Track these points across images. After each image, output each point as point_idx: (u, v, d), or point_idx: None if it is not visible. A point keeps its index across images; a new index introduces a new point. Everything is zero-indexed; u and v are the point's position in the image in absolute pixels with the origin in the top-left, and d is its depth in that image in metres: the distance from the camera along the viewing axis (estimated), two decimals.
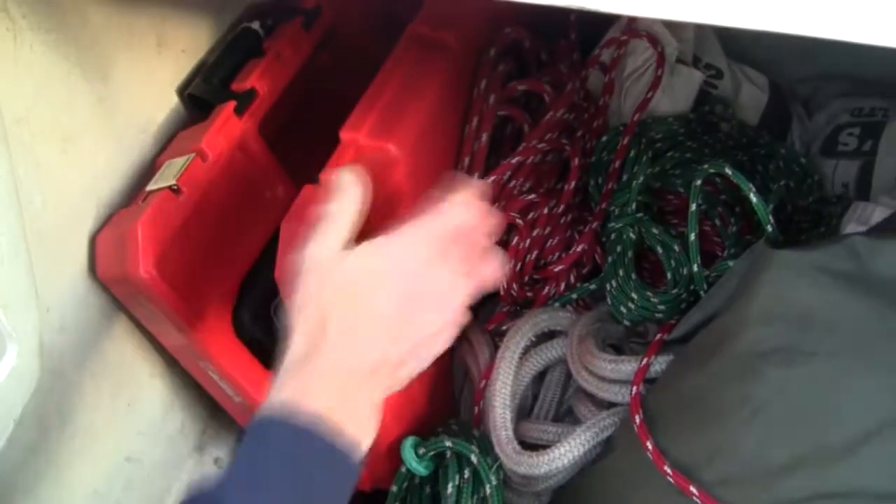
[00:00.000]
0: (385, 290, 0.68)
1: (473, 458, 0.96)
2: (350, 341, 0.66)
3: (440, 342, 0.71)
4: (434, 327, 0.70)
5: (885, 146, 1.17)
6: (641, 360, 0.89)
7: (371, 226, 0.73)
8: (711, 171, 0.94)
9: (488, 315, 1.14)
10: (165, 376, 1.10)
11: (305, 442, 0.61)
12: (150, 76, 1.04)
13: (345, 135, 0.89)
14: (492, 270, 0.73)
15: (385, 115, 0.90)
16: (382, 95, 0.92)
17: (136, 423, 1.06)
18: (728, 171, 0.90)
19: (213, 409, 1.18)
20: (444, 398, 1.16)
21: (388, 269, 0.69)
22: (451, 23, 1.00)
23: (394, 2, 1.11)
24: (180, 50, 1.08)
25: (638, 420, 0.85)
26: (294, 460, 0.61)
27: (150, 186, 0.94)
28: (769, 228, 0.87)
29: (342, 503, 0.65)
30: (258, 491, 0.60)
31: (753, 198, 0.87)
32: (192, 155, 0.95)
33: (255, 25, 1.13)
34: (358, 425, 0.64)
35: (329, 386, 0.64)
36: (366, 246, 0.69)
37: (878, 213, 0.95)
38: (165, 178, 0.93)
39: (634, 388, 0.88)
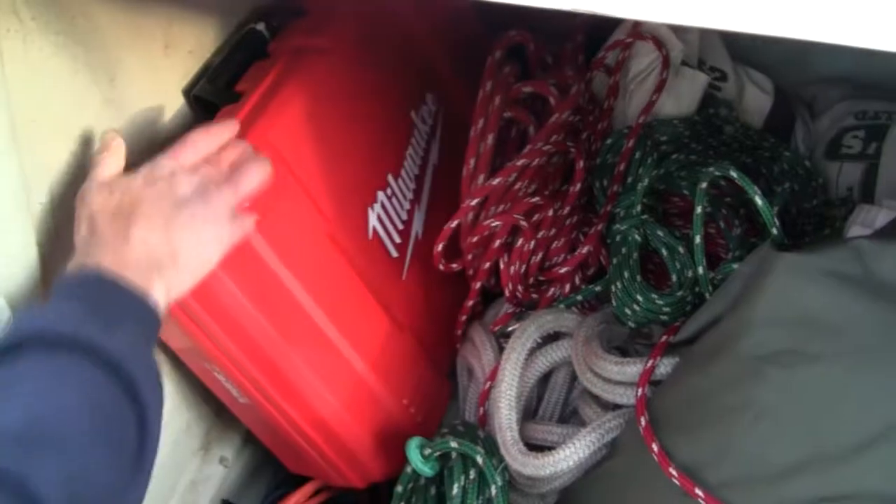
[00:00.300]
0: (147, 202, 0.79)
1: (479, 459, 0.97)
2: (119, 239, 0.76)
3: (209, 244, 0.80)
4: (194, 230, 0.79)
5: (889, 149, 1.17)
6: (647, 362, 0.90)
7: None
8: (717, 174, 0.94)
9: (493, 316, 1.15)
10: (172, 377, 1.10)
11: (88, 275, 0.72)
12: (157, 77, 1.04)
13: None
14: (250, 177, 0.85)
15: (247, 118, 0.94)
16: (248, 103, 0.97)
17: None
18: (734, 174, 0.91)
19: (218, 409, 1.18)
20: (440, 395, 1.17)
21: (146, 187, 0.80)
22: (324, 28, 1.06)
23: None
24: (187, 51, 1.08)
25: (643, 422, 0.85)
26: (79, 285, 0.71)
27: None
28: (774, 231, 0.88)
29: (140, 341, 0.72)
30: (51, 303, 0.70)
31: (759, 201, 0.88)
32: None
33: (261, 27, 1.13)
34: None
35: (105, 260, 0.73)
36: (127, 175, 0.82)
37: (882, 216, 0.95)
38: None
39: (640, 390, 0.88)
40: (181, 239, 0.78)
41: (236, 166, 0.85)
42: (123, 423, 0.65)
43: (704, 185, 0.94)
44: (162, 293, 0.75)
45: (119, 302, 0.71)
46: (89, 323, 0.67)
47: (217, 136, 0.87)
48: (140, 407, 0.66)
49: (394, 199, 1.09)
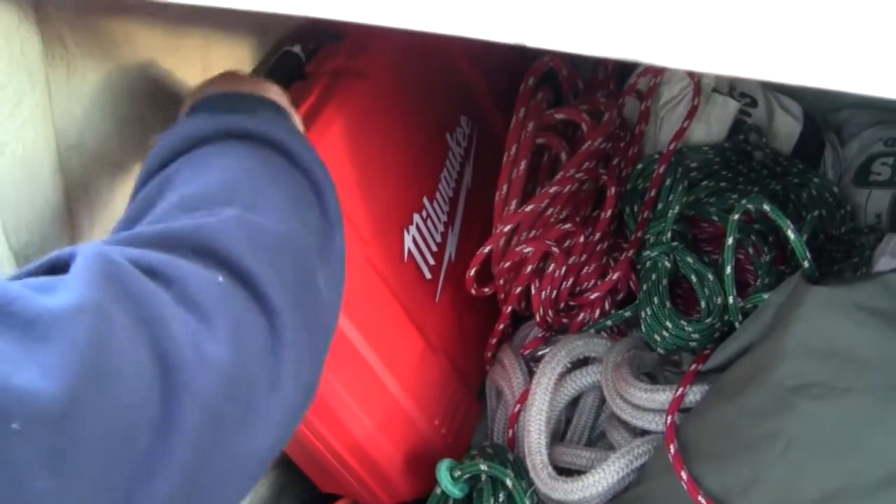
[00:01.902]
0: None
1: (508, 482, 0.98)
2: None
3: None
4: None
5: None
6: (676, 390, 0.90)
7: None
8: (750, 206, 0.95)
9: (522, 339, 1.16)
10: None
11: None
12: None
13: None
14: None
15: None
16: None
17: None
18: (767, 207, 0.91)
19: None
20: (470, 416, 1.18)
21: None
22: (363, 51, 1.07)
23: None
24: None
25: (673, 450, 0.86)
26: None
27: None
28: (806, 264, 0.88)
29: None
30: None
31: (791, 234, 0.89)
32: None
33: (297, 49, 1.15)
34: None
35: None
36: None
37: None
38: None
39: (669, 418, 0.89)
40: None
41: None
42: (309, 203, 0.69)
43: (737, 216, 0.95)
44: None
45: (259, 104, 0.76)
46: (258, 121, 0.70)
47: None
48: (318, 188, 0.70)
49: (428, 222, 1.10)
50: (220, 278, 0.56)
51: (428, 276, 1.10)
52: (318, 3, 0.59)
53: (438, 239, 1.13)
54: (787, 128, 1.23)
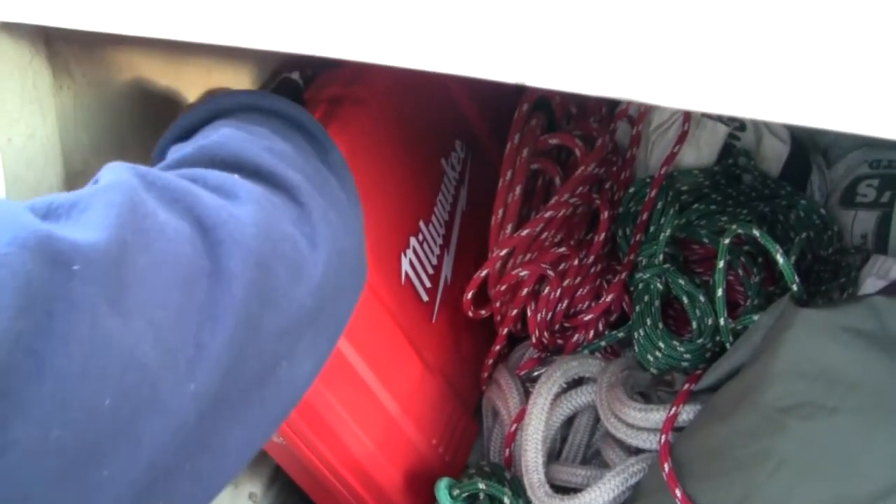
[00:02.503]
0: None
1: (506, 500, 1.00)
2: None
3: None
4: None
5: None
6: (670, 410, 0.93)
7: None
8: (740, 231, 0.97)
9: (517, 359, 1.18)
10: None
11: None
12: None
13: None
14: None
15: None
16: None
17: None
18: (756, 232, 0.94)
19: None
20: (466, 435, 1.20)
21: None
22: (360, 79, 1.09)
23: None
24: None
25: (667, 468, 0.88)
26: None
27: None
28: (795, 288, 0.91)
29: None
30: None
31: (780, 259, 0.91)
32: None
33: (295, 76, 1.16)
34: None
35: None
36: None
37: None
38: None
39: (663, 437, 0.91)
40: None
41: None
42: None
43: (727, 241, 0.98)
44: None
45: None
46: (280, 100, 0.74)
47: None
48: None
49: (425, 245, 1.12)
50: (236, 176, 0.59)
51: (425, 298, 1.12)
52: (326, 43, 0.62)
53: (434, 262, 1.15)
54: (774, 151, 1.25)
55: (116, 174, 0.53)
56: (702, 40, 0.52)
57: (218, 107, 0.72)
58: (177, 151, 0.65)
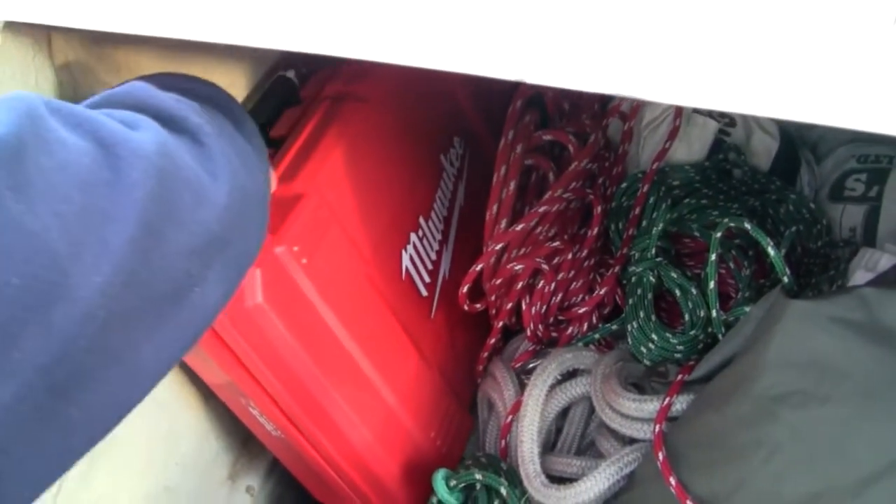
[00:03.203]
0: None
1: (503, 491, 1.01)
2: None
3: None
4: None
5: (890, 193, 1.21)
6: (664, 400, 0.94)
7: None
8: (732, 225, 0.99)
9: (512, 352, 1.20)
10: (202, 408, 1.14)
11: None
12: None
13: None
14: None
15: (292, 163, 0.99)
16: (291, 148, 1.01)
17: (173, 455, 1.11)
18: (748, 225, 0.96)
19: (245, 440, 1.23)
20: (463, 427, 1.22)
21: None
22: (361, 76, 1.10)
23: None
24: None
25: (661, 457, 0.89)
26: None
27: None
28: (786, 280, 0.92)
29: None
30: None
31: (771, 251, 0.93)
32: None
33: (291, 74, 1.18)
34: None
35: None
36: None
37: (885, 260, 1.00)
38: None
39: (657, 427, 0.92)
40: None
41: None
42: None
43: (719, 234, 0.99)
44: None
45: None
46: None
47: None
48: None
49: (424, 241, 1.14)
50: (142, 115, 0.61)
51: (424, 293, 1.14)
52: (326, 41, 0.63)
53: (433, 257, 1.16)
54: (764, 146, 1.26)
55: (22, 94, 0.54)
56: (694, 38, 0.53)
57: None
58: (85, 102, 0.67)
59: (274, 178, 0.86)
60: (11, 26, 0.75)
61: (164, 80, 0.70)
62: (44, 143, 0.50)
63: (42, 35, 0.79)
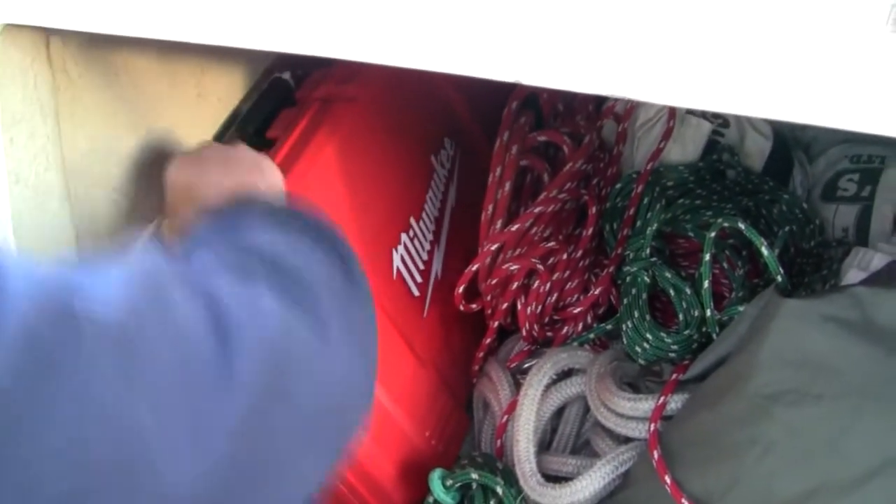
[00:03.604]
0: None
1: (499, 490, 1.02)
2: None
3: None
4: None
5: (882, 192, 1.22)
6: (658, 399, 0.95)
7: None
8: (726, 225, 1.00)
9: (507, 352, 1.20)
10: None
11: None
12: (191, 125, 1.09)
13: None
14: None
15: (282, 165, 0.98)
16: (282, 149, 1.01)
17: None
18: (741, 225, 0.96)
19: None
20: (458, 426, 1.22)
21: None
22: (352, 78, 1.10)
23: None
24: (216, 99, 1.13)
25: (656, 455, 0.90)
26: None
27: None
28: (779, 279, 0.93)
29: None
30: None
31: (765, 251, 0.93)
32: None
33: (286, 76, 1.18)
34: None
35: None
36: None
37: (877, 260, 1.00)
38: None
39: (652, 426, 0.93)
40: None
41: None
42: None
43: (713, 234, 1.00)
44: None
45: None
46: None
47: None
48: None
49: (415, 241, 1.14)
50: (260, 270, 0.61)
51: (416, 293, 1.14)
52: (323, 43, 0.64)
53: (425, 257, 1.17)
54: (757, 146, 1.27)
55: (149, 266, 0.54)
56: (688, 40, 0.54)
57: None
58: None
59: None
60: (10, 29, 0.76)
61: (276, 217, 0.71)
62: (157, 305, 0.50)
63: (40, 38, 0.80)
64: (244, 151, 0.90)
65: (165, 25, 0.70)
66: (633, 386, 1.04)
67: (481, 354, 1.20)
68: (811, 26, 0.52)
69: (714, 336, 1.01)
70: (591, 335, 1.16)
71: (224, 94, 1.15)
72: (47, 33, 0.80)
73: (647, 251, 1.11)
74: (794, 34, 0.52)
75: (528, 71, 0.57)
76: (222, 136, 1.12)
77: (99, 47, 0.91)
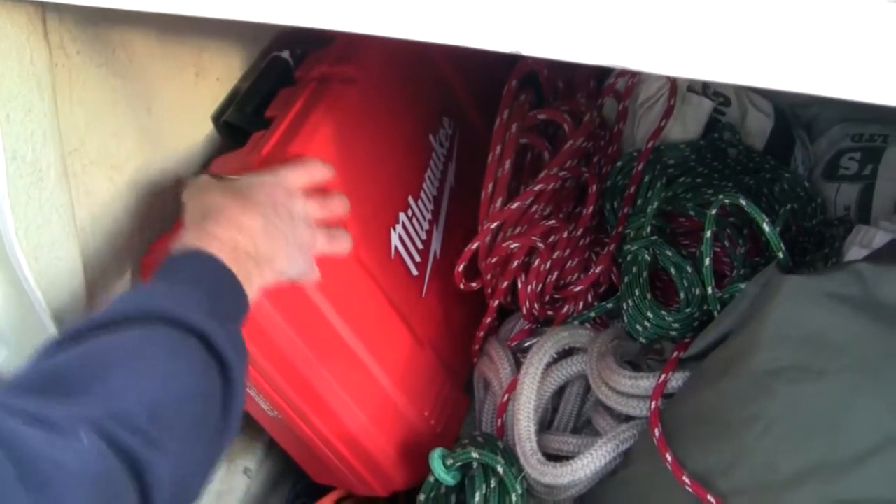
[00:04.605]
0: (261, 203, 0.85)
1: (499, 469, 1.02)
2: (225, 228, 0.81)
3: (292, 264, 0.87)
4: (286, 247, 0.86)
5: (884, 171, 1.22)
6: (659, 377, 0.94)
7: None
8: (727, 201, 0.99)
9: (508, 332, 1.20)
10: None
11: (208, 261, 0.78)
12: (189, 105, 1.09)
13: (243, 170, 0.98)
14: (341, 244, 0.95)
15: (279, 143, 0.99)
16: (279, 129, 1.01)
17: None
18: (743, 202, 0.96)
19: (243, 422, 1.23)
20: (458, 407, 1.22)
21: (248, 194, 0.85)
22: (350, 57, 1.10)
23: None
24: (215, 78, 1.13)
25: (657, 433, 0.90)
26: (201, 271, 0.77)
27: None
28: (781, 255, 0.93)
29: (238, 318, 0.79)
30: (177, 285, 0.75)
31: (767, 228, 0.93)
32: None
33: (286, 55, 1.17)
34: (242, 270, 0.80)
35: (213, 246, 0.79)
36: (233, 179, 0.89)
37: (879, 237, 1.00)
38: None
39: (653, 403, 0.93)
40: (280, 246, 0.85)
41: (326, 223, 0.94)
42: (215, 407, 0.71)
43: (714, 211, 0.99)
44: (253, 287, 0.81)
45: (233, 294, 0.79)
46: (210, 314, 0.73)
47: (317, 173, 0.95)
48: (231, 389, 0.72)
49: (414, 220, 1.14)
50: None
51: (414, 272, 1.14)
52: (318, 13, 0.63)
53: (424, 237, 1.16)
54: (759, 125, 1.27)
55: None
56: (689, 10, 0.53)
57: (125, 314, 0.71)
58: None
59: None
60: (6, 4, 0.75)
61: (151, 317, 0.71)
62: None
63: (37, 14, 0.79)
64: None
65: None
66: (634, 364, 1.03)
67: (481, 334, 1.20)
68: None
69: (715, 314, 1.00)
70: (592, 314, 1.16)
71: (223, 73, 1.15)
72: (44, 8, 0.80)
73: (648, 229, 1.10)
74: (794, 3, 0.52)
75: (528, 41, 0.56)
76: (221, 115, 1.12)
77: (96, 24, 0.90)
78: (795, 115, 1.35)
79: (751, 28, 0.53)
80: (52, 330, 0.87)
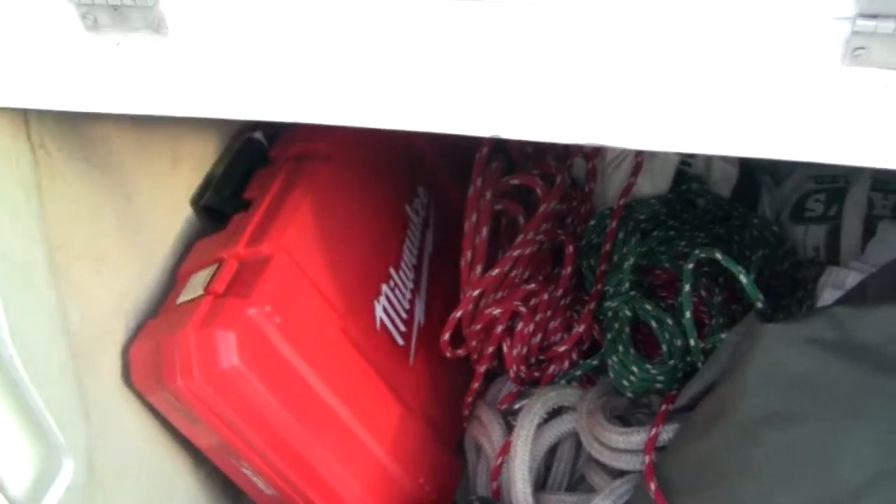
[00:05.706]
0: None
1: None
2: None
3: None
4: None
5: (848, 210, 1.25)
6: (650, 431, 0.96)
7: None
8: (702, 256, 1.01)
9: (496, 394, 1.21)
10: (194, 473, 1.14)
11: None
12: (167, 192, 1.10)
13: (225, 253, 1.01)
14: None
15: (259, 225, 1.01)
16: (258, 211, 1.03)
17: None
18: (719, 255, 0.98)
19: (236, 500, 1.22)
20: (451, 471, 1.22)
21: None
22: (322, 134, 1.13)
23: None
24: (192, 164, 1.14)
25: (653, 487, 0.91)
26: None
27: (181, 299, 0.99)
28: (759, 305, 0.95)
29: None
30: None
31: (743, 279, 0.95)
32: (217, 264, 1.01)
33: (258, 135, 1.19)
34: None
35: None
36: None
37: (851, 278, 1.02)
38: (194, 289, 0.99)
39: (647, 458, 0.94)
40: None
41: None
42: None
43: (691, 265, 1.02)
44: None
45: None
46: None
47: None
48: None
49: (396, 291, 1.15)
50: None
51: (400, 342, 1.15)
52: (304, 109, 0.65)
53: (407, 306, 1.17)
54: (724, 174, 1.29)
55: None
56: (655, 91, 0.56)
57: None
58: None
59: None
60: None
61: None
62: None
63: (19, 115, 0.80)
64: None
65: (134, 102, 0.71)
66: (624, 419, 1.05)
67: (470, 399, 1.21)
68: (767, 65, 0.54)
69: (699, 364, 1.02)
70: (578, 372, 1.17)
71: (199, 157, 1.16)
72: (25, 111, 0.81)
73: (627, 285, 1.12)
74: (752, 74, 0.54)
75: (507, 125, 0.59)
76: (200, 199, 1.13)
77: (74, 122, 0.92)
78: (759, 161, 1.38)
79: (712, 101, 0.56)
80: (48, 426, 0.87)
